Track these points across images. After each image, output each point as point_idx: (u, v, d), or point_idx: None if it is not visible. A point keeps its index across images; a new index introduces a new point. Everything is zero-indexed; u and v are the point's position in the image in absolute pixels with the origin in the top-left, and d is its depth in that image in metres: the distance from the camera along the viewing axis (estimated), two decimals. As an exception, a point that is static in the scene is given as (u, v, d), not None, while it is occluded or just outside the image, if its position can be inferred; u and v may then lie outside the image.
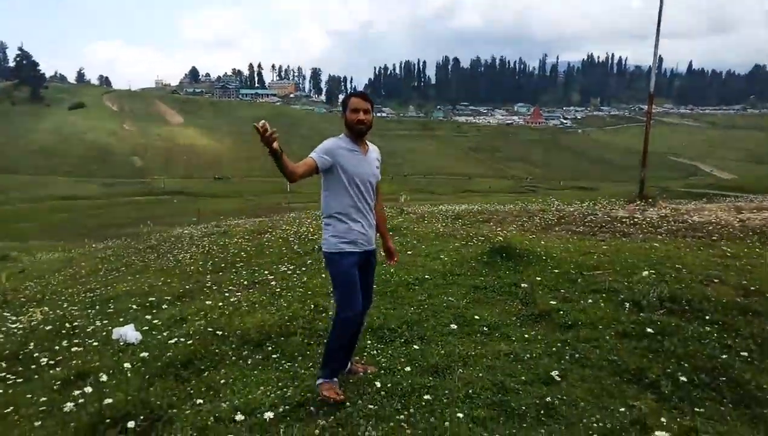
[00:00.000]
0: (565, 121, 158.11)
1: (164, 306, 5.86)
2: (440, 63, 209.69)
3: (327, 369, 3.04)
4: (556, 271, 5.16)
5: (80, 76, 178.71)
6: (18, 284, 10.21)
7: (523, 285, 4.71)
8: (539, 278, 4.91)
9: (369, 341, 3.81)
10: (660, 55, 13.03)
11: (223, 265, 8.05)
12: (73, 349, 4.45)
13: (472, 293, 4.73)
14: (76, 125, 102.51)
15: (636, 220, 8.85)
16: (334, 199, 3.05)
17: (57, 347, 4.75)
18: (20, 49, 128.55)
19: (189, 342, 4.07)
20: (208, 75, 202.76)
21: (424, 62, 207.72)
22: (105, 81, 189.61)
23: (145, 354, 3.96)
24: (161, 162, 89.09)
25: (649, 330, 3.49)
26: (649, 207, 11.14)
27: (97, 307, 6.58)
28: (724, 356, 3.08)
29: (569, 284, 4.77)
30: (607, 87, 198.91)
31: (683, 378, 2.87)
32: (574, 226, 8.76)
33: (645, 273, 4.71)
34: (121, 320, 5.42)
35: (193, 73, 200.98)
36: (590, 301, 4.24)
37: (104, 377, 3.32)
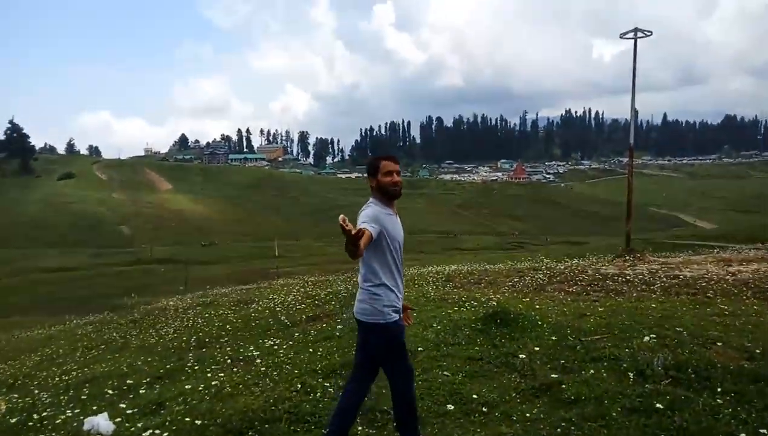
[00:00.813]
0: (548, 176, 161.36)
1: (142, 390, 5.50)
2: (424, 123, 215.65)
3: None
4: (554, 338, 4.96)
5: (70, 146, 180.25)
6: (-10, 367, 9.70)
7: (520, 356, 4.49)
8: (537, 348, 4.69)
9: (360, 427, 3.54)
10: (636, 108, 13.42)
11: (207, 340, 7.73)
12: (38, 446, 4.08)
13: (467, 366, 4.49)
14: (66, 196, 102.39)
15: (627, 277, 8.75)
16: (381, 267, 2.94)
17: (22, 443, 4.38)
18: (11, 122, 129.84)
19: (165, 434, 3.76)
20: (197, 141, 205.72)
21: (409, 122, 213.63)
22: (95, 151, 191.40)
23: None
24: (150, 230, 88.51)
25: (657, 405, 3.27)
26: (638, 262, 11.09)
27: (71, 392, 6.19)
28: (742, 435, 2.86)
29: (568, 352, 4.56)
30: (586, 141, 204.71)
31: (701, 462, 2.64)
32: (566, 285, 8.61)
33: (646, 338, 4.53)
34: (95, 407, 5.05)
35: (182, 140, 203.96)
36: (592, 371, 4.02)
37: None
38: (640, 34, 13.30)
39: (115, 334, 10.33)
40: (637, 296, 7.04)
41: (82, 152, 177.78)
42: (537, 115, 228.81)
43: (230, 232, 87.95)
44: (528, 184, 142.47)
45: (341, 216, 2.50)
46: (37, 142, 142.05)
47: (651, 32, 13.38)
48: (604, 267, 10.10)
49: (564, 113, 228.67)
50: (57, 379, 7.22)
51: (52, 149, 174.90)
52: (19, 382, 7.73)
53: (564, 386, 3.81)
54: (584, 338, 4.88)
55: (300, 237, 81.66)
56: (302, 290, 10.86)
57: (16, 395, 6.60)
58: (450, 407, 3.69)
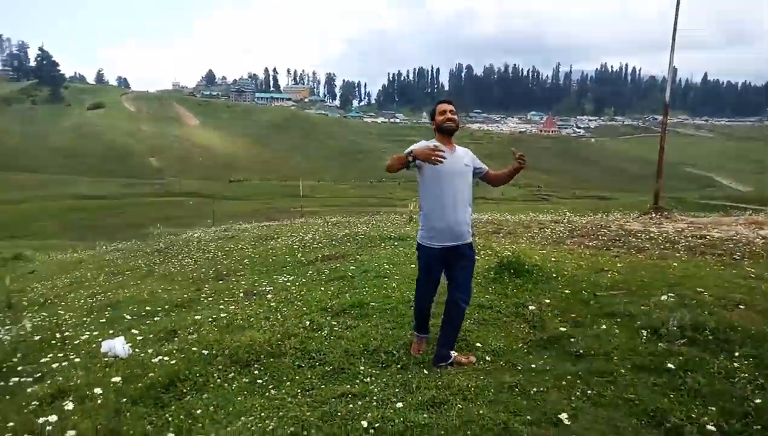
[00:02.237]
0: (578, 131, 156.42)
1: (157, 317, 5.64)
2: (454, 70, 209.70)
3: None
4: (567, 291, 4.85)
5: (99, 77, 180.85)
6: (26, 285, 10.10)
7: (531, 307, 4.41)
8: (549, 300, 4.60)
9: (363, 367, 3.55)
10: (674, 66, 12.63)
11: (225, 272, 7.85)
12: (54, 365, 4.22)
13: (476, 313, 4.44)
14: (96, 125, 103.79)
15: (651, 234, 8.48)
16: (424, 197, 3.51)
17: (43, 360, 4.54)
18: (41, 49, 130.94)
19: (173, 361, 3.83)
20: (224, 78, 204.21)
21: (438, 69, 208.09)
22: (123, 82, 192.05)
23: (125, 373, 3.73)
24: (178, 163, 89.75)
25: (669, 365, 3.17)
26: (665, 220, 10.74)
27: (94, 314, 6.40)
28: (757, 400, 2.75)
29: (581, 307, 4.46)
30: (620, 97, 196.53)
31: (711, 426, 2.55)
32: (587, 239, 8.41)
33: (664, 297, 4.38)
34: (111, 331, 5.21)
35: (210, 77, 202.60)
36: (604, 327, 3.92)
37: (70, 405, 3.05)
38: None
39: (140, 261, 10.59)
40: (659, 253, 6.83)
41: (111, 83, 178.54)
42: (571, 68, 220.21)
43: (256, 170, 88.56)
44: (557, 138, 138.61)
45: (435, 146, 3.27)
46: (66, 70, 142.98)
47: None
48: (628, 223, 9.82)
49: (599, 68, 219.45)
50: (83, 301, 7.46)
51: (81, 78, 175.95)
52: (49, 302, 8.02)
53: (573, 339, 3.73)
54: (599, 293, 4.76)
55: (323, 179, 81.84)
56: (321, 229, 10.89)
57: (45, 314, 6.87)
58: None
